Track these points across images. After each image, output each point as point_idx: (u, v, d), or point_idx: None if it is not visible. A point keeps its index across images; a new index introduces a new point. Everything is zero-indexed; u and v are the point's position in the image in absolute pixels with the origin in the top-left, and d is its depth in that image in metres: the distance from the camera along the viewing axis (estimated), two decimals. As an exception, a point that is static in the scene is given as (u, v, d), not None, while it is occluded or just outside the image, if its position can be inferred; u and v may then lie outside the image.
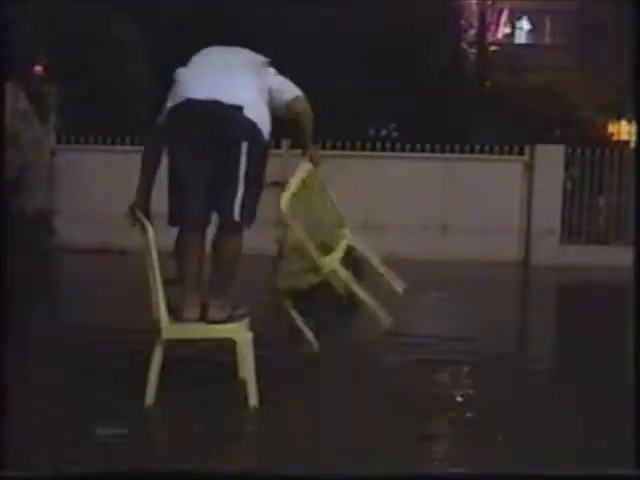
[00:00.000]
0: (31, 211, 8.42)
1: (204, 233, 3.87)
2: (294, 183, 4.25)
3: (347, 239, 4.64)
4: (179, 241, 3.85)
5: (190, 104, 3.72)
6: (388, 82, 12.88)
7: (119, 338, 5.07)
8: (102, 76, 10.84)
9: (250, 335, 3.85)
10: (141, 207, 3.86)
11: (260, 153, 3.77)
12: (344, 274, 4.46)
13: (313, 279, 4.51)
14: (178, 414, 3.78)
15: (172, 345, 3.85)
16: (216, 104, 3.68)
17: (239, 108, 3.71)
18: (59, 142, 9.39)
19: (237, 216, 3.73)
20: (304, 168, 4.36)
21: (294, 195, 4.23)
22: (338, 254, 4.53)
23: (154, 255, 3.69)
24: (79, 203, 8.91)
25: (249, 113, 3.73)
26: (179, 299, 3.83)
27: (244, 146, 3.68)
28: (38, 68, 11.16)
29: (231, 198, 3.70)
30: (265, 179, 3.90)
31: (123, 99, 10.97)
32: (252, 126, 3.74)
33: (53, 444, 3.35)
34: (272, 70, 4.03)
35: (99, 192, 8.88)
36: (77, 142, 9.43)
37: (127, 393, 3.95)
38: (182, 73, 3.87)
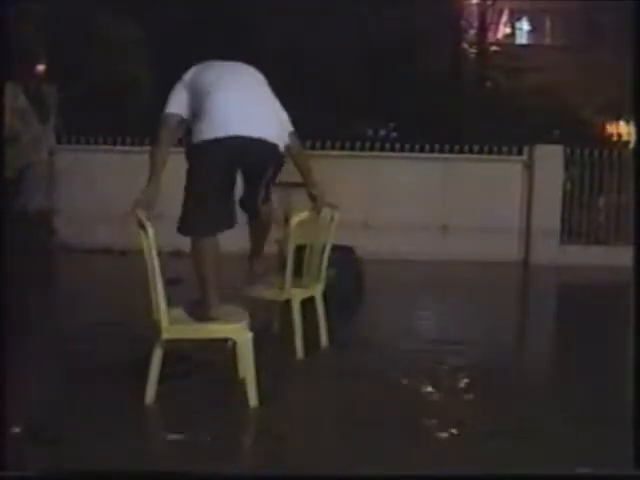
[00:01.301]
0: (31, 211, 8.45)
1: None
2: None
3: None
4: (197, 247, 3.97)
5: (237, 139, 3.89)
6: (388, 82, 12.88)
7: (119, 338, 5.07)
8: (102, 76, 10.84)
9: (250, 335, 3.86)
10: (146, 206, 3.86)
11: (279, 168, 4.15)
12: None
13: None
14: (177, 414, 3.79)
15: (172, 345, 3.86)
16: (260, 142, 3.94)
17: (275, 145, 4.03)
18: (59, 142, 9.39)
19: (260, 207, 4.21)
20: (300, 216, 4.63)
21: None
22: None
23: (154, 254, 3.69)
24: (79, 203, 8.91)
25: (280, 144, 4.07)
26: (203, 299, 3.95)
27: (270, 169, 4.08)
28: (38, 68, 11.17)
29: (256, 202, 4.17)
30: None
31: (123, 99, 10.97)
32: (280, 154, 4.10)
33: (52, 444, 3.35)
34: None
35: (99, 192, 8.87)
36: (77, 142, 9.43)
37: (127, 392, 3.96)
38: (216, 98, 3.95)
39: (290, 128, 4.39)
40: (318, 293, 4.92)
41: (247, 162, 3.97)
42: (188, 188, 3.96)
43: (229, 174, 3.96)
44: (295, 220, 4.61)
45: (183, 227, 3.95)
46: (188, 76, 4.12)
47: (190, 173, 3.96)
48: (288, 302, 4.75)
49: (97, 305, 6.30)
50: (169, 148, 4.07)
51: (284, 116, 4.34)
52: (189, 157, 3.98)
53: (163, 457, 3.38)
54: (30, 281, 6.68)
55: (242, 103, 3.95)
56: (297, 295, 4.75)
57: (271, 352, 4.58)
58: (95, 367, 4.47)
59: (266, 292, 4.78)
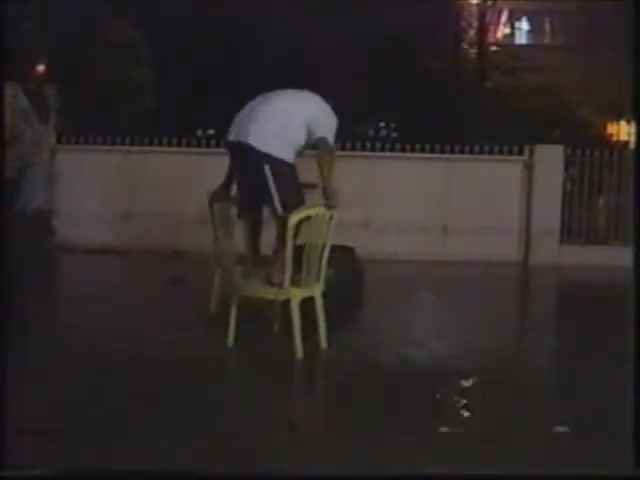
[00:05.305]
0: (31, 211, 8.43)
1: (260, 219, 5.31)
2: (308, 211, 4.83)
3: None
4: (245, 226, 5.35)
5: (229, 141, 5.26)
6: (388, 82, 12.89)
7: (118, 338, 5.07)
8: (102, 76, 10.85)
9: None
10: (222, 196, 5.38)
11: (279, 170, 4.96)
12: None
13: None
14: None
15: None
16: (250, 148, 5.01)
17: (266, 154, 4.99)
18: (59, 142, 9.38)
19: (280, 210, 4.92)
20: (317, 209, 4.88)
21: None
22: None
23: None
24: (79, 203, 8.91)
25: (264, 148, 4.97)
26: (251, 266, 5.15)
27: (267, 168, 4.93)
28: (38, 68, 11.18)
29: (269, 199, 4.96)
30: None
31: (123, 99, 10.98)
32: (267, 155, 4.97)
33: (53, 444, 3.35)
34: (317, 110, 5.22)
35: (99, 192, 8.87)
36: (77, 142, 9.43)
37: (126, 392, 3.96)
38: (239, 114, 5.24)
39: (321, 135, 5.11)
40: (317, 293, 4.92)
41: (243, 160, 5.11)
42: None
43: (239, 165, 5.20)
44: (294, 219, 4.61)
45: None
46: None
47: None
48: (288, 302, 4.76)
49: (95, 305, 6.29)
50: None
51: (316, 127, 5.12)
52: None
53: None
54: (29, 280, 6.68)
55: (247, 120, 5.07)
56: (296, 295, 4.75)
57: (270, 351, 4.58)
58: (94, 367, 4.47)
59: (266, 292, 4.79)
